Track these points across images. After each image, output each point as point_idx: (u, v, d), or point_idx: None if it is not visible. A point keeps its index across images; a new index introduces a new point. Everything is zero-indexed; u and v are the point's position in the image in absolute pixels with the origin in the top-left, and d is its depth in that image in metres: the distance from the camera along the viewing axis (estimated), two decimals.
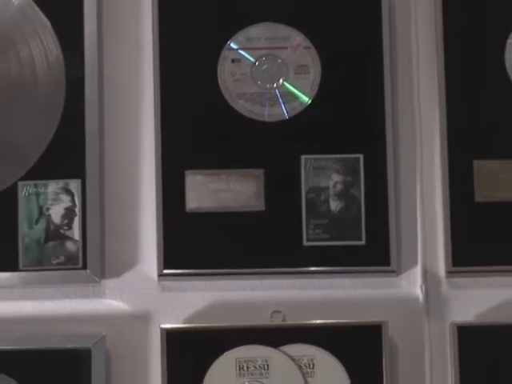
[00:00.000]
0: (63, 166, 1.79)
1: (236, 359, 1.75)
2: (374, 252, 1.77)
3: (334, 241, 1.78)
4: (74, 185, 1.78)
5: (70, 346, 1.75)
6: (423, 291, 1.78)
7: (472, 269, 1.77)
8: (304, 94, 1.81)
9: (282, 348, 1.75)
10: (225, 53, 1.81)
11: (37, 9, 1.82)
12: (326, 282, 1.80)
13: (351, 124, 1.80)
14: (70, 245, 1.77)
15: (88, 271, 1.76)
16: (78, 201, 1.78)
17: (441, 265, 1.78)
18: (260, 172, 1.80)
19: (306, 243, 1.77)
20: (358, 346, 1.77)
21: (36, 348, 1.76)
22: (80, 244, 1.78)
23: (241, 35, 1.82)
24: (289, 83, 1.81)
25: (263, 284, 1.80)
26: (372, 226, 1.78)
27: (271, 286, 1.80)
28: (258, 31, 1.81)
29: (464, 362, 1.76)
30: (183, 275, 1.79)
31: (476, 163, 1.77)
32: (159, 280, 1.79)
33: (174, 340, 1.77)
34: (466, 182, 1.77)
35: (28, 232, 1.77)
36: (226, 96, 1.80)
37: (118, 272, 1.81)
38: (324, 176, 1.79)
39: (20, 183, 1.78)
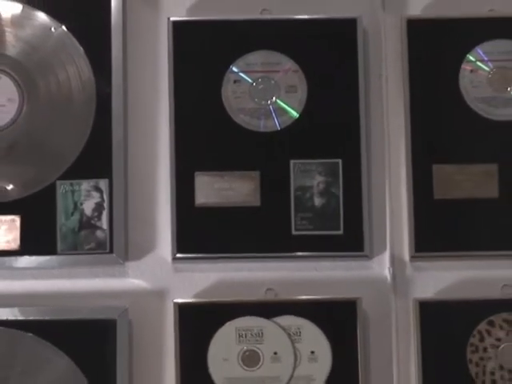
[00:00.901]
0: (94, 167, 1.87)
1: (236, 328, 1.82)
2: (350, 240, 1.85)
3: (317, 231, 1.85)
4: (103, 183, 1.85)
5: (99, 317, 1.83)
6: (391, 273, 1.85)
7: (431, 254, 1.85)
8: (293, 109, 1.87)
9: (274, 319, 1.82)
10: (228, 75, 1.88)
11: (72, 38, 1.89)
12: (311, 265, 1.86)
13: (331, 134, 1.87)
14: (99, 233, 1.86)
15: (114, 255, 1.84)
16: (106, 197, 1.86)
17: (405, 251, 1.85)
18: (256, 174, 1.85)
19: (294, 232, 1.85)
20: (337, 317, 1.83)
21: (71, 318, 1.83)
22: (107, 232, 1.86)
23: (241, 61, 1.88)
24: (280, 100, 1.87)
25: (259, 266, 1.86)
26: (348, 219, 1.85)
27: (265, 268, 1.86)
28: (255, 57, 1.88)
29: (424, 331, 1.82)
30: (193, 258, 1.86)
31: (435, 167, 1.85)
32: (173, 262, 1.85)
33: (184, 312, 1.83)
34: (427, 183, 1.85)
35: (65, 222, 1.85)
36: (229, 111, 1.86)
37: (138, 255, 1.87)
38: (309, 177, 1.86)
39: (58, 182, 1.86)
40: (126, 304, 1.83)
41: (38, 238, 1.87)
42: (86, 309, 1.85)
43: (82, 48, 1.89)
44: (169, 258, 1.86)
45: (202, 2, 1.96)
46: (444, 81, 1.89)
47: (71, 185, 1.87)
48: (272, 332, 1.83)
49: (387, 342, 1.85)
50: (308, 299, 1.84)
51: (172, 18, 1.90)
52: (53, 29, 1.91)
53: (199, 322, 1.84)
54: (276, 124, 1.88)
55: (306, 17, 1.90)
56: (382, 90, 1.92)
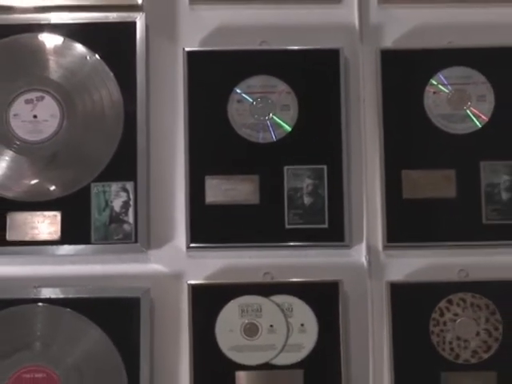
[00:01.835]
0: (122, 172, 1.94)
1: (239, 305, 1.90)
2: (333, 232, 1.93)
3: (306, 224, 1.93)
4: (129, 185, 1.92)
5: (125, 295, 1.91)
6: (367, 259, 1.94)
7: (400, 244, 1.92)
8: (287, 124, 1.95)
9: (270, 297, 1.90)
10: (232, 96, 1.96)
11: (104, 65, 1.96)
12: (301, 253, 1.94)
13: (318, 145, 1.95)
14: (126, 226, 1.92)
15: (138, 244, 1.91)
16: (131, 196, 1.93)
17: (379, 241, 1.94)
18: (256, 177, 1.93)
19: (287, 226, 1.93)
20: (323, 296, 1.91)
21: (102, 296, 1.91)
22: (133, 226, 1.92)
23: (243, 84, 1.96)
24: (276, 117, 1.95)
25: (258, 253, 1.94)
26: (332, 215, 1.93)
27: (263, 255, 1.94)
28: (255, 81, 1.96)
29: (394, 308, 1.89)
30: (204, 247, 1.93)
31: (403, 172, 1.93)
32: (187, 251, 1.92)
33: (197, 292, 1.91)
34: (397, 185, 1.93)
35: (98, 217, 1.92)
36: (233, 125, 1.94)
37: (159, 245, 1.94)
38: (299, 180, 1.93)
39: (92, 184, 1.93)
40: (148, 285, 1.91)
41: (75, 230, 1.93)
42: (115, 289, 1.92)
43: (112, 73, 1.96)
44: (184, 247, 1.93)
45: (212, 35, 2.01)
46: (411, 101, 1.97)
47: (103, 186, 1.93)
48: (269, 308, 1.90)
49: (364, 316, 1.92)
50: (298, 281, 1.92)
51: (187, 49, 1.96)
52: (88, 57, 1.97)
53: (209, 300, 1.91)
54: (272, 136, 1.94)
55: (297, 47, 1.97)
56: (360, 108, 1.99)
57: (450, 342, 1.89)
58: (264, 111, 1.96)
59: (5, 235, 1.92)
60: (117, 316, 1.91)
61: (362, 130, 1.99)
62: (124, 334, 1.90)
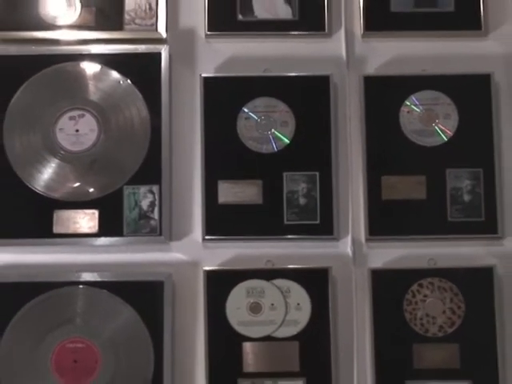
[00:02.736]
0: (149, 177, 1.99)
1: (245, 287, 1.96)
2: (324, 227, 1.98)
3: (302, 221, 1.98)
4: (155, 188, 1.98)
5: (152, 279, 1.96)
6: (352, 250, 1.99)
7: (380, 237, 1.98)
8: (286, 137, 2.00)
9: (272, 281, 1.96)
10: (241, 114, 2.01)
11: (134, 88, 2.01)
12: (297, 244, 1.99)
13: (312, 155, 1.99)
14: (152, 222, 1.98)
15: (162, 237, 1.97)
16: (157, 197, 1.98)
17: (362, 235, 1.99)
18: (260, 182, 1.99)
19: (285, 222, 1.98)
20: (315, 280, 1.95)
21: (132, 280, 1.96)
22: (158, 221, 1.98)
23: (250, 104, 2.01)
24: (277, 131, 2.00)
25: (261, 245, 1.99)
26: (323, 213, 1.98)
27: (266, 246, 1.99)
28: (260, 102, 2.01)
29: (375, 290, 1.95)
30: (217, 239, 1.99)
31: (383, 178, 1.99)
32: (203, 242, 1.98)
33: (211, 276, 1.95)
34: (377, 188, 1.98)
35: (129, 214, 1.98)
36: (241, 138, 2.00)
37: (179, 237, 2.00)
38: (296, 184, 1.99)
39: (124, 187, 1.99)
40: (170, 271, 1.97)
41: (110, 225, 1.99)
42: (143, 274, 1.97)
43: (141, 95, 2.02)
44: (200, 239, 1.99)
45: (224, 63, 2.05)
46: (389, 119, 2.02)
47: (133, 189, 1.99)
48: (270, 290, 1.96)
49: (349, 297, 1.98)
50: (295, 268, 1.97)
51: (203, 75, 2.02)
52: (121, 82, 2.02)
53: (220, 283, 1.96)
54: (273, 148, 2.01)
55: (294, 74, 2.02)
56: (346, 125, 2.03)
57: (421, 319, 1.94)
58: (267, 127, 2.02)
59: (52, 229, 1.98)
60: (144, 296, 1.96)
61: (348, 143, 2.03)
62: (150, 311, 1.95)
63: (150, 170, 2.00)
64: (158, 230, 1.98)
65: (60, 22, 2.05)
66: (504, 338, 1.95)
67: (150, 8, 2.03)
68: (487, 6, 2.05)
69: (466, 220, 1.98)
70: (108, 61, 2.03)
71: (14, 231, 1.98)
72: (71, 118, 2.00)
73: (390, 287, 1.97)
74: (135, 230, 1.99)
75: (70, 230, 1.98)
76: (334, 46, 2.06)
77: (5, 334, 1.93)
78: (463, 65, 2.04)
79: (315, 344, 1.95)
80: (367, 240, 2.00)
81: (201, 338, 1.96)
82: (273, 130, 2.01)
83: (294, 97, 2.03)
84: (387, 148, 2.02)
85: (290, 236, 2.00)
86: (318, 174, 2.00)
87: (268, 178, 2.01)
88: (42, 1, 2.06)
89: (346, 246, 2.01)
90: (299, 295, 1.96)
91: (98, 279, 1.97)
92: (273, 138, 2.01)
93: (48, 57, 2.03)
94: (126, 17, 2.04)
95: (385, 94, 2.03)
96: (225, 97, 2.03)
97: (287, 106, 2.02)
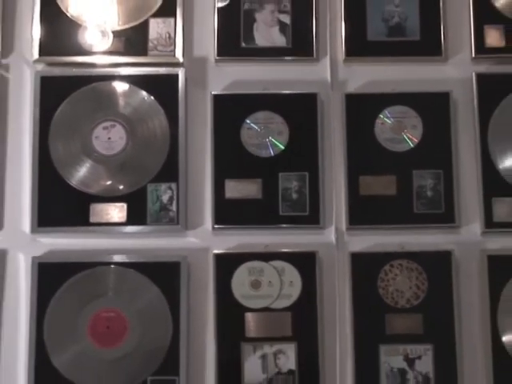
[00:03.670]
0: (168, 176, 2.02)
1: (247, 267, 1.98)
2: (312, 218, 2.01)
3: (294, 212, 2.01)
4: (173, 185, 2.01)
5: (171, 260, 1.99)
6: (335, 237, 2.02)
7: (358, 226, 2.01)
8: (281, 144, 2.03)
9: (269, 262, 1.99)
10: (244, 125, 2.04)
11: (157, 103, 2.04)
12: (290, 232, 2.02)
13: (302, 158, 2.03)
14: (171, 213, 2.01)
15: (179, 226, 2.00)
16: (175, 193, 2.01)
17: (343, 225, 2.01)
18: (259, 180, 2.02)
19: (281, 214, 2.02)
20: (304, 261, 1.98)
21: (155, 261, 1.99)
22: (175, 213, 2.00)
23: (252, 117, 2.04)
24: (274, 139, 2.03)
25: (260, 232, 2.02)
26: (311, 206, 2.01)
27: (264, 233, 2.02)
28: (260, 115, 2.04)
29: (354, 271, 1.98)
30: (224, 228, 2.02)
31: (361, 177, 2.02)
32: (213, 230, 2.02)
33: (219, 259, 1.97)
34: (356, 186, 2.02)
35: (151, 207, 2.01)
36: (244, 145, 2.03)
37: (193, 226, 2.03)
38: (289, 182, 2.01)
39: (148, 184, 2.02)
40: (186, 254, 2.00)
41: (136, 215, 2.01)
42: (163, 256, 2.00)
43: (162, 109, 2.05)
44: (210, 227, 2.02)
45: (230, 83, 2.08)
46: (366, 129, 2.05)
47: (155, 186, 2.02)
48: (268, 270, 1.99)
49: (333, 276, 2.01)
50: (288, 251, 2.00)
51: (213, 92, 2.05)
52: (146, 98, 2.05)
53: (227, 264, 1.98)
54: (271, 152, 2.03)
55: (288, 92, 2.05)
56: (331, 134, 2.06)
57: (392, 293, 1.97)
58: (265, 135, 2.04)
59: (88, 219, 2.01)
60: (164, 275, 1.98)
61: (332, 149, 2.05)
62: (169, 287, 1.97)
63: (169, 171, 2.01)
64: (176, 220, 2.00)
65: (96, 49, 2.07)
66: (460, 308, 1.97)
67: (170, 37, 2.06)
68: (447, 37, 2.08)
69: (429, 212, 2.00)
70: (135, 81, 2.05)
71: (58, 221, 2.01)
72: (104, 128, 2.02)
73: (366, 268, 1.99)
74: (157, 219, 2.00)
75: (104, 220, 2.00)
76: (321, 69, 2.08)
77: (51, 304, 1.97)
78: (427, 85, 2.05)
79: (305, 314, 1.97)
80: (348, 229, 2.01)
81: (210, 309, 1.97)
82: (270, 138, 2.03)
83: (287, 111, 2.05)
84: (364, 153, 2.03)
85: (284, 225, 2.02)
86: (307, 174, 2.02)
87: (266, 177, 2.02)
88: (81, 31, 2.08)
89: (330, 233, 2.02)
90: (292, 274, 1.98)
91: (126, 260, 1.99)
92: (270, 145, 2.03)
93: (86, 77, 2.06)
94: (150, 44, 2.06)
95: (362, 108, 2.04)
96: (231, 110, 2.05)
97: (282, 119, 2.04)
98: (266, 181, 2.02)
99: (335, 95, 2.06)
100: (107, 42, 2.07)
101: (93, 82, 2.06)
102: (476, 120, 2.03)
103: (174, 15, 2.06)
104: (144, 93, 2.04)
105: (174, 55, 2.06)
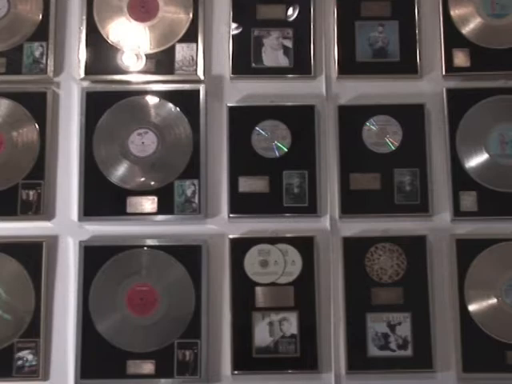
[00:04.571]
0: (191, 174, 2.04)
1: (257, 249, 2.01)
2: (310, 208, 2.03)
3: (295, 204, 2.03)
4: (196, 181, 2.04)
5: (193, 243, 2.01)
6: (330, 224, 2.04)
7: (348, 215, 2.04)
8: (285, 147, 2.06)
9: (275, 245, 2.01)
10: (254, 131, 2.06)
11: (182, 114, 2.07)
12: (292, 220, 2.05)
13: (303, 159, 2.05)
14: (194, 204, 2.03)
15: (201, 215, 2.03)
16: (197, 188, 2.03)
17: (337, 213, 2.04)
18: (267, 177, 2.04)
19: (284, 205, 2.04)
20: (305, 244, 2.00)
21: (180, 244, 2.01)
22: (198, 205, 2.02)
23: (261, 124, 2.07)
24: (279, 143, 2.06)
25: (268, 220, 2.04)
26: (310, 199, 2.04)
27: (271, 221, 2.05)
28: (267, 123, 2.07)
29: (346, 253, 2.00)
30: (238, 217, 2.05)
31: (351, 175, 2.05)
32: (228, 218, 2.04)
33: (234, 242, 2.01)
34: (347, 182, 2.04)
35: (178, 200, 2.02)
36: (255, 148, 2.06)
37: (212, 215, 2.06)
38: (291, 179, 2.04)
39: (175, 181, 2.04)
40: (206, 238, 2.03)
41: (165, 206, 2.03)
42: (188, 240, 2.02)
43: (186, 119, 2.07)
44: (226, 216, 2.04)
45: (243, 97, 2.10)
46: (355, 134, 2.07)
47: (181, 182, 2.04)
48: (274, 251, 2.02)
49: (328, 257, 2.03)
50: (291, 236, 2.03)
51: (228, 104, 2.07)
52: (173, 109, 2.07)
53: (240, 247, 2.00)
54: (276, 154, 2.06)
55: (290, 104, 2.07)
56: (326, 139, 2.08)
57: (377, 271, 2.00)
58: (272, 140, 2.06)
59: (125, 209, 2.03)
60: (189, 256, 2.00)
61: (327, 151, 2.07)
62: (193, 266, 1.99)
63: (192, 169, 2.04)
64: (198, 210, 2.03)
65: (131, 69, 2.09)
66: (433, 283, 1.97)
67: (192, 59, 2.07)
68: (422, 58, 2.09)
69: (407, 203, 2.02)
70: (164, 95, 2.07)
71: (101, 211, 2.04)
72: (139, 134, 2.04)
73: (355, 250, 2.01)
74: (182, 210, 2.03)
75: (138, 211, 2.03)
76: (317, 85, 2.09)
77: (94, 280, 1.99)
78: (405, 98, 2.07)
79: (305, 288, 2.00)
80: (340, 217, 2.03)
81: (227, 284, 2.00)
82: (276, 142, 2.06)
83: (290, 119, 2.07)
84: (354, 154, 2.05)
85: (287, 214, 2.04)
86: (306, 172, 2.04)
87: (272, 175, 2.05)
88: (119, 55, 2.09)
89: (325, 221, 2.04)
90: (294, 255, 2.01)
91: (157, 244, 2.01)
92: (276, 148, 2.06)
93: (123, 92, 2.08)
94: (176, 65, 2.07)
95: (352, 117, 2.06)
96: (243, 119, 2.07)
97: (286, 126, 2.07)
98: (272, 178, 2.04)
99: (329, 106, 2.08)
100: (141, 64, 2.09)
101: (129, 97, 2.08)
102: (446, 127, 2.05)
103: (196, 41, 2.07)
104: (171, 105, 2.06)
105: (196, 74, 2.08)
